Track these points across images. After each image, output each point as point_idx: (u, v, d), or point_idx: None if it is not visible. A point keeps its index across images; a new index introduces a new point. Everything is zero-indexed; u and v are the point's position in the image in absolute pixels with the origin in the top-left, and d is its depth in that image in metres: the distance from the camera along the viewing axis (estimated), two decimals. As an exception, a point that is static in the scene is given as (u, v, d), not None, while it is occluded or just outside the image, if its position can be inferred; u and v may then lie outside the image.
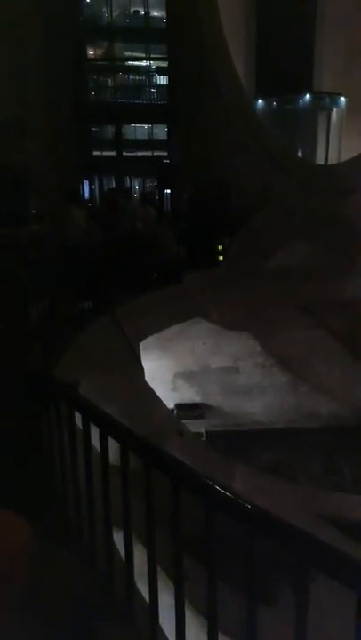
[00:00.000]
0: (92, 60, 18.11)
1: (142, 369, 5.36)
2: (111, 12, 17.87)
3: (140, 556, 1.89)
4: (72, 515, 2.31)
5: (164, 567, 1.76)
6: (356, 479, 5.20)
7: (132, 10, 18.26)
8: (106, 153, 17.51)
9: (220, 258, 8.02)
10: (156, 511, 1.63)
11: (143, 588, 1.85)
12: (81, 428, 2.15)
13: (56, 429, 2.51)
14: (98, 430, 1.94)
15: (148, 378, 5.27)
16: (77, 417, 2.27)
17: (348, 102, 17.23)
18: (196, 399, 6.05)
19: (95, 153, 17.20)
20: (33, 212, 9.10)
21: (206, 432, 5.62)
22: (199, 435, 5.40)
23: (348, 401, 6.15)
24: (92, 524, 2.11)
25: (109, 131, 18.08)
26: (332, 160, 16.22)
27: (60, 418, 2.43)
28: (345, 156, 13.92)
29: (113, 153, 17.42)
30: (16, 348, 3.45)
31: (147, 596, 1.74)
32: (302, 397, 6.23)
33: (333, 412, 6.15)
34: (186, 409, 5.88)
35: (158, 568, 1.69)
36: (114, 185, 16.35)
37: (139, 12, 18.14)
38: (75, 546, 2.29)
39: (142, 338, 5.85)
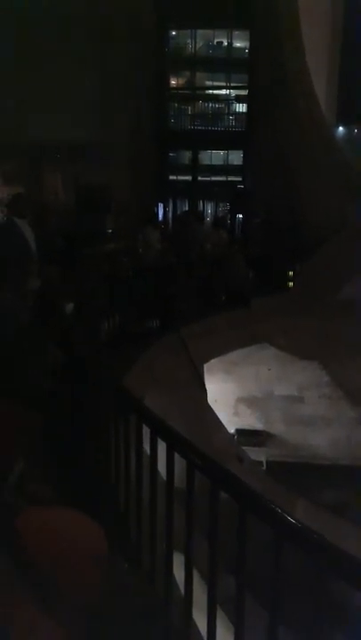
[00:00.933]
0: (173, 88, 18.91)
1: (205, 390, 5.38)
2: (195, 43, 18.64)
3: (197, 578, 1.88)
4: (133, 530, 2.34)
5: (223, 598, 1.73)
6: None
7: (215, 41, 18.93)
8: (181, 177, 18.06)
9: (290, 284, 7.91)
10: (219, 536, 1.62)
11: (200, 615, 1.83)
12: (148, 441, 2.20)
13: (123, 441, 2.58)
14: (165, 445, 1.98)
15: (210, 400, 5.28)
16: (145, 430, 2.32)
17: None
18: (258, 426, 5.93)
19: (171, 177, 17.80)
20: (109, 231, 9.54)
21: (267, 461, 5.48)
22: (259, 463, 5.27)
23: None
24: (153, 541, 2.14)
25: (186, 156, 18.67)
26: None
27: (128, 430, 2.50)
28: None
29: (188, 177, 17.94)
30: (87, 362, 3.60)
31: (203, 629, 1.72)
32: (371, 434, 5.92)
33: None
34: (247, 435, 5.78)
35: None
36: (187, 208, 16.75)
37: (222, 42, 18.78)
38: (135, 562, 2.32)
39: (207, 359, 5.88)
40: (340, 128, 17.12)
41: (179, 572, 2.08)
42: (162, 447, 2.19)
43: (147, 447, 2.31)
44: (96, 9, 12.33)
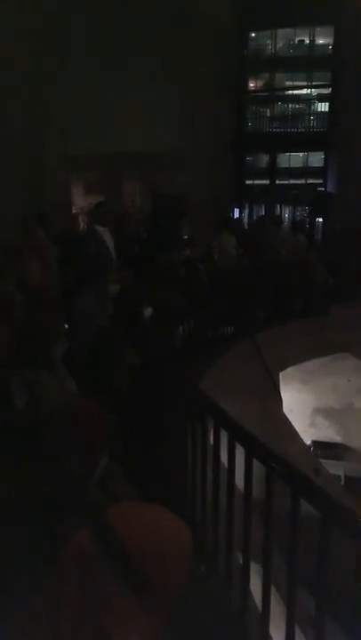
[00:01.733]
0: (252, 91, 18.77)
1: (280, 399, 5.27)
2: (275, 43, 18.37)
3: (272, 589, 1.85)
4: (210, 536, 2.36)
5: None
6: None
7: (296, 40, 18.53)
8: (258, 181, 17.86)
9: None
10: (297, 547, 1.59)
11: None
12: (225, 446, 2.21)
13: (200, 446, 2.62)
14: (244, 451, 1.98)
15: (285, 409, 5.17)
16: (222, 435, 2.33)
17: None
18: (336, 439, 5.71)
19: (248, 182, 17.67)
20: (185, 237, 9.67)
21: (345, 476, 5.25)
22: (337, 477, 5.06)
23: None
24: (229, 549, 2.14)
25: (263, 160, 18.43)
26: None
27: (205, 434, 2.53)
28: None
29: (266, 181, 17.69)
30: (163, 366, 3.68)
31: None
32: None
33: None
34: (324, 447, 5.58)
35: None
36: (264, 212, 16.53)
37: (303, 41, 18.33)
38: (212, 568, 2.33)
39: (283, 367, 5.77)
40: None
41: (254, 583, 2.06)
42: (239, 454, 2.19)
43: (223, 453, 2.32)
44: (176, 16, 12.57)
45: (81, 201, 13.77)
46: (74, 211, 12.91)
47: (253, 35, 18.16)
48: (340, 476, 5.18)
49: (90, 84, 12.03)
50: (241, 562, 2.12)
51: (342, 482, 5.11)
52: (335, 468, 5.17)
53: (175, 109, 13.03)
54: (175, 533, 1.11)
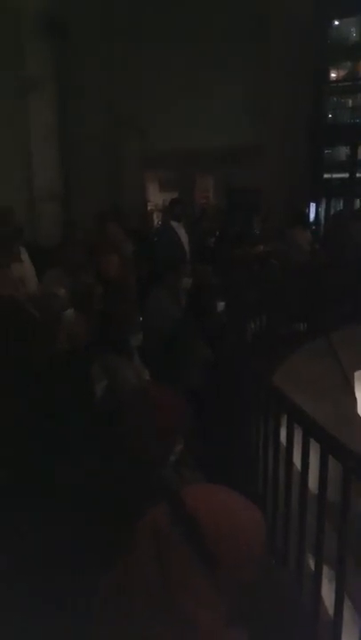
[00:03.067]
0: (333, 82, 18.06)
1: (355, 400, 5.08)
2: (359, 31, 17.51)
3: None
4: (278, 533, 2.36)
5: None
6: None
7: (382, 24, 17.53)
8: (337, 175, 17.18)
9: None
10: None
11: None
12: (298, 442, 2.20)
13: (272, 441, 2.62)
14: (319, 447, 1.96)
15: (359, 410, 4.98)
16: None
17: None
18: None
19: (326, 175, 17.05)
20: (257, 232, 9.57)
21: None
22: None
23: None
24: (301, 551, 2.13)
25: (343, 152, 17.69)
26: None
27: (277, 430, 2.53)
28: None
29: (345, 175, 16.97)
30: (236, 360, 3.70)
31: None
32: None
33: None
34: None
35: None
36: (342, 207, 15.89)
37: (390, 25, 17.31)
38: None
39: (357, 367, 5.55)
40: None
41: (325, 587, 2.03)
42: (313, 453, 2.17)
43: (296, 450, 2.31)
44: (257, 6, 12.34)
45: (156, 198, 14.06)
46: (149, 208, 13.21)
47: (337, 22, 17.43)
48: None
49: (169, 81, 12.17)
50: (313, 564, 2.10)
51: None
52: None
53: (253, 102, 12.85)
54: (249, 516, 1.13)
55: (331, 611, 1.91)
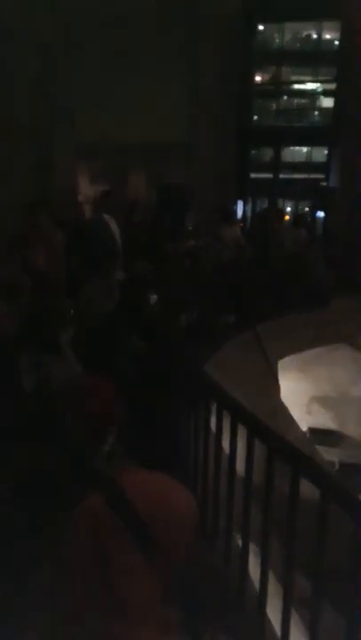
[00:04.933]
0: (258, 85, 18.73)
1: (279, 387, 5.40)
2: (283, 37, 18.31)
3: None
4: (208, 516, 2.46)
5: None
6: None
7: (303, 34, 18.46)
8: (262, 175, 17.89)
9: (373, 285, 7.62)
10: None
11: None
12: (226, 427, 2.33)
13: (202, 428, 2.73)
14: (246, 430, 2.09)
15: (283, 397, 5.29)
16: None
17: None
18: (331, 426, 5.85)
19: (252, 175, 17.69)
20: (190, 228, 9.75)
21: (339, 462, 5.39)
22: (331, 464, 5.20)
23: None
24: (229, 532, 2.23)
25: (268, 154, 18.45)
26: None
27: (208, 417, 2.65)
28: None
29: (269, 175, 17.72)
30: (167, 351, 3.80)
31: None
32: None
33: None
34: (320, 434, 5.72)
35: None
36: (267, 206, 16.59)
37: (310, 35, 18.28)
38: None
39: (281, 356, 5.89)
40: None
41: (252, 564, 2.15)
42: (240, 438, 2.29)
43: (225, 435, 2.43)
44: (186, 8, 12.53)
45: (87, 189, 13.81)
46: (80, 199, 12.96)
47: (261, 27, 18.08)
48: (334, 462, 5.32)
49: (99, 73, 12.03)
50: (240, 543, 2.21)
51: (336, 467, 5.25)
52: (330, 455, 5.31)
53: (181, 101, 13.04)
54: (182, 499, 1.22)
55: (256, 584, 2.03)
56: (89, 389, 1.94)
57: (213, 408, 2.66)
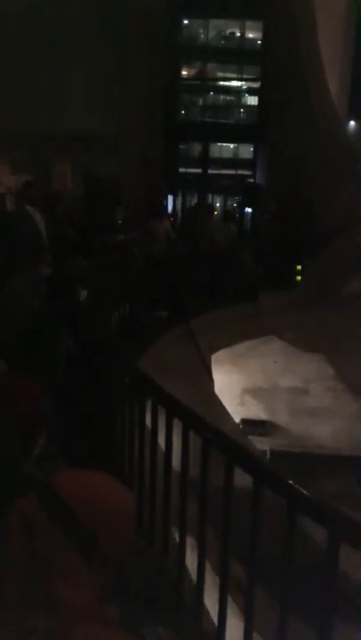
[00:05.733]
0: (185, 79, 18.82)
1: (212, 381, 5.47)
2: (208, 33, 18.52)
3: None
4: (145, 512, 2.43)
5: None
6: None
7: (227, 31, 18.79)
8: (191, 170, 18.04)
9: (299, 278, 7.96)
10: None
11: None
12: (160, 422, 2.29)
13: (137, 423, 2.68)
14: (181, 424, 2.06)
15: (216, 390, 5.37)
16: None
17: None
18: (263, 416, 6.04)
19: (181, 170, 17.78)
20: (120, 222, 9.60)
21: (270, 450, 5.59)
22: (263, 452, 5.38)
23: None
24: (166, 525, 2.21)
25: (196, 149, 18.62)
26: None
27: (142, 413, 2.59)
28: None
29: (198, 170, 17.91)
30: (99, 348, 3.69)
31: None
32: (373, 428, 6.00)
33: None
34: (252, 425, 5.89)
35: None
36: (197, 201, 16.78)
37: (234, 33, 18.64)
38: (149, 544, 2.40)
39: (214, 351, 5.98)
40: (352, 122, 16.99)
41: (190, 557, 2.16)
42: (176, 434, 2.27)
43: (161, 431, 2.40)
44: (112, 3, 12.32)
45: (8, 180, 13.12)
46: (0, 190, 12.29)
47: (186, 22, 18.17)
48: (266, 451, 5.50)
49: (21, 62, 11.49)
50: (177, 538, 2.21)
51: (268, 456, 5.44)
52: (262, 444, 5.49)
53: (107, 92, 12.78)
54: (119, 498, 1.19)
55: (194, 577, 2.04)
56: (16, 390, 1.84)
57: (148, 404, 2.62)
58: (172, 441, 2.30)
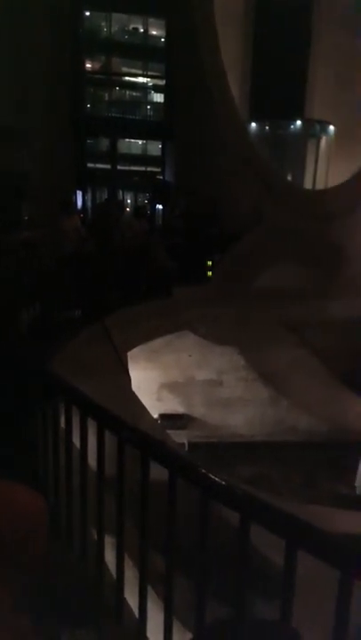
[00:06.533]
0: (89, 72, 18.42)
1: (129, 378, 5.46)
2: (110, 26, 18.26)
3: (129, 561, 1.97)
4: (62, 514, 2.38)
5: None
6: (332, 492, 5.34)
7: (131, 27, 18.69)
8: (100, 165, 17.74)
9: (210, 273, 8.20)
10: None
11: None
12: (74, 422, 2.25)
13: (51, 425, 2.60)
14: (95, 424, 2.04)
15: (133, 387, 5.38)
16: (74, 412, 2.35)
17: (336, 130, 17.84)
18: (180, 410, 6.16)
19: (90, 165, 17.41)
20: (26, 218, 9.20)
21: (188, 443, 5.73)
22: (182, 445, 5.50)
23: (326, 417, 6.31)
24: (84, 524, 2.19)
25: (104, 144, 18.35)
26: (320, 185, 16.71)
27: (56, 414, 2.53)
28: (332, 182, 14.39)
29: (107, 166, 17.66)
30: (7, 349, 3.53)
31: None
32: (283, 412, 6.39)
33: (312, 428, 6.31)
34: (169, 419, 5.99)
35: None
36: (107, 197, 16.55)
37: (138, 29, 18.58)
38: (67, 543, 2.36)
39: (130, 348, 5.97)
40: (253, 124, 17.78)
41: (109, 555, 2.15)
42: (91, 434, 2.24)
43: (75, 431, 2.35)
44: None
45: None
46: None
47: (88, 14, 17.77)
48: (184, 444, 5.63)
49: None
50: (95, 535, 2.19)
51: (186, 448, 5.57)
52: (180, 437, 5.61)
53: (11, 83, 12.11)
54: (28, 501, 1.15)
55: (115, 574, 2.04)
56: None
57: (62, 405, 2.55)
58: (87, 441, 2.27)
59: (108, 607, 2.02)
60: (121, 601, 1.97)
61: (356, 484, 5.75)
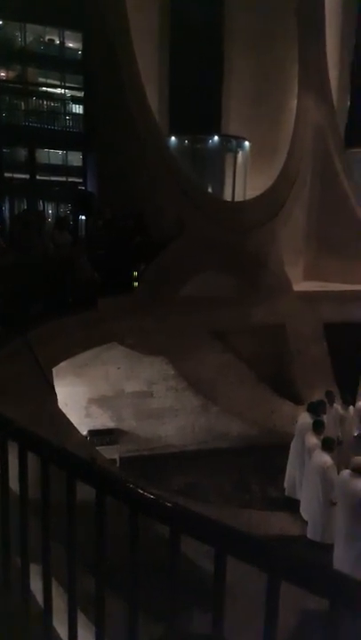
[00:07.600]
0: (4, 81, 17.86)
1: (55, 395, 5.24)
2: (25, 36, 17.86)
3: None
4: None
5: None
6: (264, 495, 5.45)
7: (46, 38, 18.42)
8: (18, 175, 17.15)
9: (135, 284, 8.15)
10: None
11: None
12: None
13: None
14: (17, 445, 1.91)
15: (60, 404, 5.17)
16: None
17: (251, 146, 18.66)
18: (110, 425, 6.02)
19: (7, 174, 16.78)
20: None
21: (120, 458, 5.59)
22: (113, 461, 5.35)
23: (255, 421, 6.48)
24: (6, 552, 2.05)
25: (22, 153, 17.80)
26: (239, 197, 17.36)
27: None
28: (249, 195, 14.99)
29: (26, 176, 17.11)
30: None
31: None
32: (213, 419, 6.46)
33: (243, 433, 6.43)
34: (99, 435, 5.82)
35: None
36: (26, 207, 16.00)
37: (54, 41, 18.35)
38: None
39: (55, 363, 5.74)
40: (173, 139, 18.09)
41: (35, 583, 2.02)
42: (13, 457, 2.10)
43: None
44: None
45: None
46: None
47: (1, 23, 17.23)
48: (115, 459, 5.48)
49: None
50: (19, 564, 2.06)
51: (118, 464, 5.43)
52: (111, 453, 5.46)
53: None
54: None
55: (42, 602, 1.91)
56: None
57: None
58: (7, 464, 2.12)
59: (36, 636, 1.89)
60: (50, 630, 1.85)
61: (285, 484, 5.92)
